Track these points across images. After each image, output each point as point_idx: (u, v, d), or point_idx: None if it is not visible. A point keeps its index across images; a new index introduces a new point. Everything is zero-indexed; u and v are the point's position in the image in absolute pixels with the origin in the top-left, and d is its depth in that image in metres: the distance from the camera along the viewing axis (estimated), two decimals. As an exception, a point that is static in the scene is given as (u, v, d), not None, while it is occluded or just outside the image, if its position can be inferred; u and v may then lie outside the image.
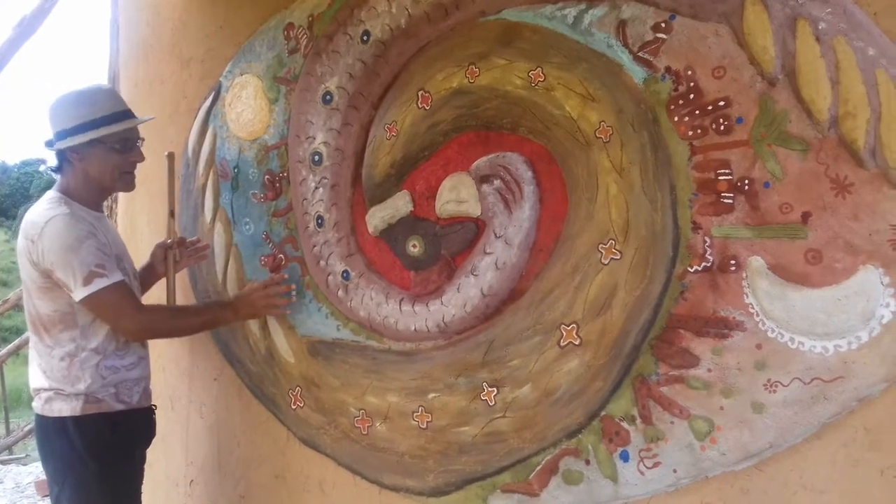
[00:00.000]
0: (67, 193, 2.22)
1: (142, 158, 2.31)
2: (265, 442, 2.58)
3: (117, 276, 2.14)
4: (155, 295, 2.57)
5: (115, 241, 2.33)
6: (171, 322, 2.33)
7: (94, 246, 2.12)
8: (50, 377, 2.18)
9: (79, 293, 2.09)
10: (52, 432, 2.17)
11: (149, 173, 2.93)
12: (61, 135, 2.20)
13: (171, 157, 2.63)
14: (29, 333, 2.29)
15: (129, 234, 2.54)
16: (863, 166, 1.45)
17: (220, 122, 2.70)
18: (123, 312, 2.16)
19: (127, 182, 2.30)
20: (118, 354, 2.23)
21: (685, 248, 1.66)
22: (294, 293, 2.40)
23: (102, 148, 2.21)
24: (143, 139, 2.34)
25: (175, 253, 2.52)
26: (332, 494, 2.37)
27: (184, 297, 2.77)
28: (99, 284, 2.09)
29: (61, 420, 2.15)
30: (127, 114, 2.27)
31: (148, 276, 2.56)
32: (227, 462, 2.71)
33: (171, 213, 2.54)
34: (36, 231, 2.12)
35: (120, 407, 2.21)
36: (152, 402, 2.42)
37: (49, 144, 2.25)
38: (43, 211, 2.16)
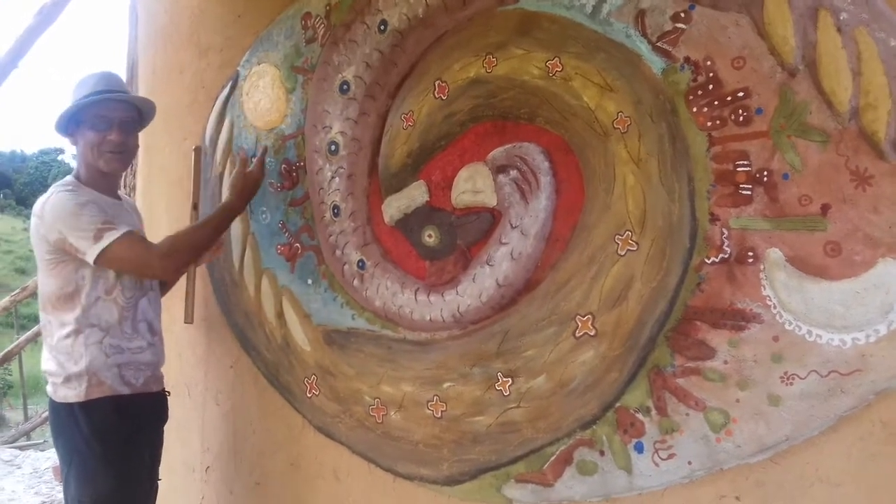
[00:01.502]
0: (78, 178, 2.30)
1: (117, 139, 2.26)
2: (280, 429, 2.59)
3: (125, 228, 2.16)
4: (176, 293, 2.57)
5: (133, 226, 2.34)
6: (189, 241, 2.28)
7: (96, 209, 2.17)
8: (56, 358, 2.22)
9: (91, 252, 2.11)
10: (62, 414, 2.21)
11: (167, 162, 2.95)
12: None
13: (197, 151, 2.64)
14: (40, 316, 2.33)
15: (147, 223, 2.56)
16: (883, 158, 1.44)
17: (238, 112, 2.71)
18: (142, 256, 2.18)
19: (107, 161, 2.27)
20: (125, 335, 2.26)
21: (702, 239, 1.65)
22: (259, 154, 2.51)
23: (84, 127, 2.26)
24: (140, 126, 2.39)
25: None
26: (346, 482, 2.39)
27: (203, 287, 2.78)
28: (109, 238, 2.12)
29: (69, 405, 2.19)
30: (105, 93, 2.28)
31: None
32: (243, 449, 2.73)
33: (195, 206, 2.54)
34: (41, 206, 2.20)
35: (125, 390, 2.23)
36: (164, 388, 2.43)
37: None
38: (49, 190, 2.25)
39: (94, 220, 2.13)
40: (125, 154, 2.32)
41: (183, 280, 2.56)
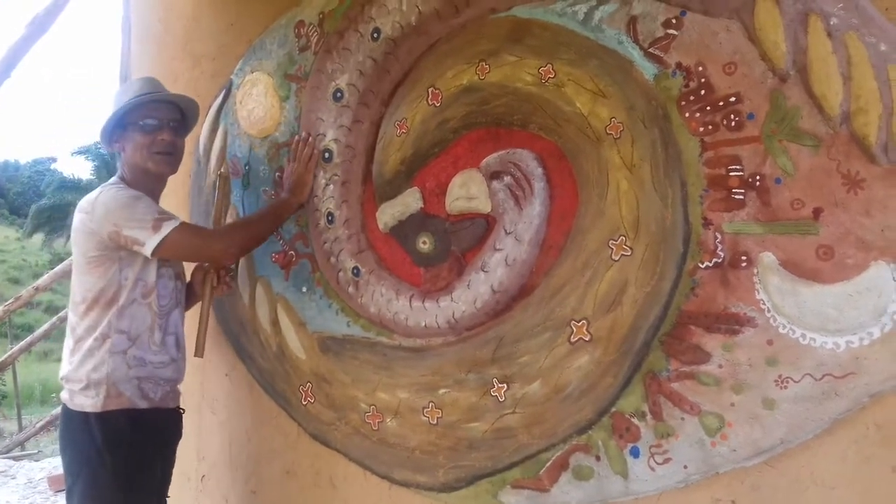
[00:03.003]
0: (123, 181, 2.29)
1: (168, 138, 2.27)
2: (276, 437, 2.59)
3: (181, 219, 2.19)
4: (190, 319, 2.54)
5: None
6: (249, 231, 2.33)
7: (150, 201, 2.20)
8: (77, 362, 2.19)
9: (150, 243, 2.12)
10: (75, 423, 2.19)
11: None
12: None
13: (222, 177, 2.59)
14: (68, 316, 2.31)
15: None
16: (874, 162, 1.45)
17: (231, 120, 2.71)
18: (205, 240, 2.24)
19: (157, 162, 2.27)
20: (151, 349, 2.24)
21: (696, 244, 1.66)
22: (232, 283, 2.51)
23: (132, 129, 2.26)
24: (185, 130, 2.40)
25: (213, 278, 2.46)
26: (342, 490, 2.38)
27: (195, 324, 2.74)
28: (168, 227, 2.13)
29: (84, 414, 2.16)
30: (151, 94, 2.29)
31: (188, 297, 2.50)
32: (239, 457, 2.73)
33: None
34: (90, 203, 2.20)
35: (142, 404, 2.21)
36: (180, 406, 2.40)
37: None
38: (98, 189, 2.26)
39: (150, 211, 2.15)
40: (174, 156, 2.32)
41: (195, 310, 2.51)
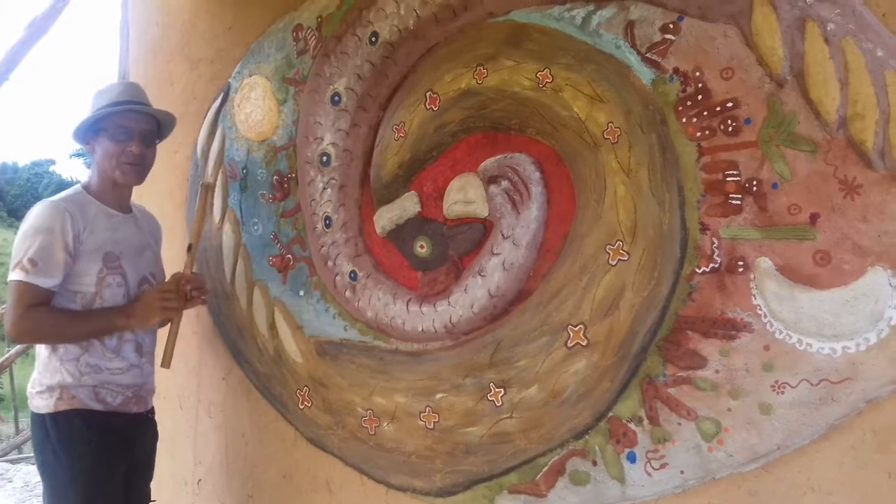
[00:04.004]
0: (87, 188, 2.28)
1: (137, 151, 2.23)
2: (273, 441, 2.59)
3: (41, 280, 2.09)
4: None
5: (124, 241, 2.28)
6: (55, 329, 2.15)
7: (48, 241, 2.10)
8: (38, 369, 2.21)
9: (9, 277, 2.12)
10: (37, 426, 2.19)
11: (158, 174, 2.93)
12: None
13: (206, 188, 2.53)
14: None
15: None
16: (871, 167, 1.45)
17: (229, 123, 2.71)
18: (12, 311, 2.10)
19: (124, 172, 2.24)
20: (105, 356, 2.21)
21: (693, 249, 1.66)
22: (204, 297, 2.42)
23: (104, 136, 2.23)
24: (158, 139, 2.36)
25: (187, 291, 2.37)
26: (339, 494, 2.38)
27: (191, 326, 2.74)
28: (16, 276, 2.09)
29: (41, 416, 2.17)
30: (129, 104, 2.25)
31: None
32: (235, 461, 2.72)
33: (189, 248, 2.40)
34: None
35: (97, 406, 2.18)
36: (149, 410, 2.37)
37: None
38: (44, 200, 2.23)
39: (28, 251, 2.09)
40: (142, 167, 2.29)
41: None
